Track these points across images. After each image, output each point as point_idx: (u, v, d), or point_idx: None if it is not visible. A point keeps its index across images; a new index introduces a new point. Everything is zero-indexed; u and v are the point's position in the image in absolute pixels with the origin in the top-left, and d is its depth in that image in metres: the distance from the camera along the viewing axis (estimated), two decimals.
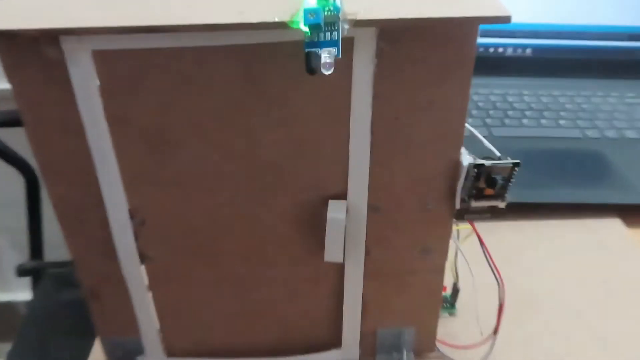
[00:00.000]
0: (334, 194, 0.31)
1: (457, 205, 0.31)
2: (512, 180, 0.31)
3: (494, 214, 0.32)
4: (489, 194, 0.31)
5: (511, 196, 0.31)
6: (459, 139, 0.29)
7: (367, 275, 0.33)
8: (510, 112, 0.64)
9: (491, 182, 0.30)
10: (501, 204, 0.31)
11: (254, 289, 0.34)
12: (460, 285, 0.40)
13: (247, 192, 0.30)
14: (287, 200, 0.31)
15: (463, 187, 0.30)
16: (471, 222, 0.33)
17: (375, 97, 0.28)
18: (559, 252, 0.48)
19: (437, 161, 0.30)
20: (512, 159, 0.30)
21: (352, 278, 0.33)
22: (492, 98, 0.67)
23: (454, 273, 0.39)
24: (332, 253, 0.31)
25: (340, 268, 0.33)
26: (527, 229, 0.50)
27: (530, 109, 0.65)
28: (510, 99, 0.67)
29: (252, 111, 0.28)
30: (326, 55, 0.23)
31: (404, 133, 0.29)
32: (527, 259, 0.47)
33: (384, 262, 0.33)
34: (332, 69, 0.23)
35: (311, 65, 0.23)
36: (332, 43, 0.23)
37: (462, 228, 0.35)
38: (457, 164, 0.30)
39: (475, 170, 0.30)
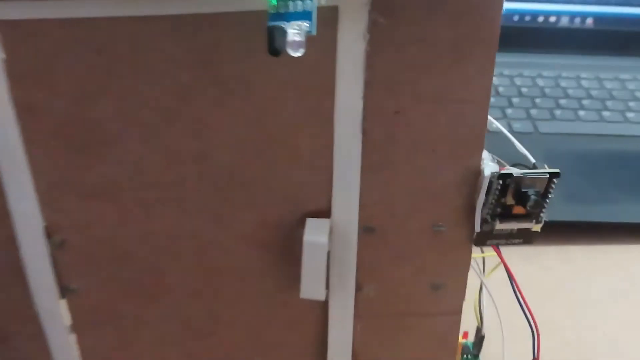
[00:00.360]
0: (314, 211, 0.31)
1: (478, 228, 0.31)
2: (549, 195, 0.31)
3: (526, 238, 0.32)
4: (519, 212, 0.31)
5: (559, 212, 0.31)
6: (478, 140, 0.29)
7: (359, 317, 0.33)
8: (562, 102, 0.64)
9: (521, 198, 0.30)
10: (535, 227, 0.32)
11: (207, 334, 0.34)
12: (485, 330, 0.40)
13: (199, 206, 0.30)
14: (252, 218, 0.31)
15: (485, 204, 0.30)
16: (496, 248, 0.33)
17: (368, 84, 0.28)
18: (622, 289, 0.48)
19: (450, 169, 0.30)
20: (550, 168, 0.30)
21: (339, 321, 0.33)
22: (540, 82, 0.67)
23: (478, 315, 0.39)
24: (310, 287, 0.31)
25: (322, 308, 0.33)
26: (577, 257, 0.50)
27: (590, 97, 0.65)
28: (563, 83, 0.67)
29: (204, 101, 0.28)
30: (294, 32, 0.23)
31: (406, 132, 0.29)
32: (575, 297, 0.47)
33: (381, 301, 0.33)
34: (303, 50, 0.23)
35: (274, 45, 0.23)
36: (304, 15, 0.23)
37: (488, 255, 0.35)
38: (477, 173, 0.30)
39: (500, 181, 0.30)
